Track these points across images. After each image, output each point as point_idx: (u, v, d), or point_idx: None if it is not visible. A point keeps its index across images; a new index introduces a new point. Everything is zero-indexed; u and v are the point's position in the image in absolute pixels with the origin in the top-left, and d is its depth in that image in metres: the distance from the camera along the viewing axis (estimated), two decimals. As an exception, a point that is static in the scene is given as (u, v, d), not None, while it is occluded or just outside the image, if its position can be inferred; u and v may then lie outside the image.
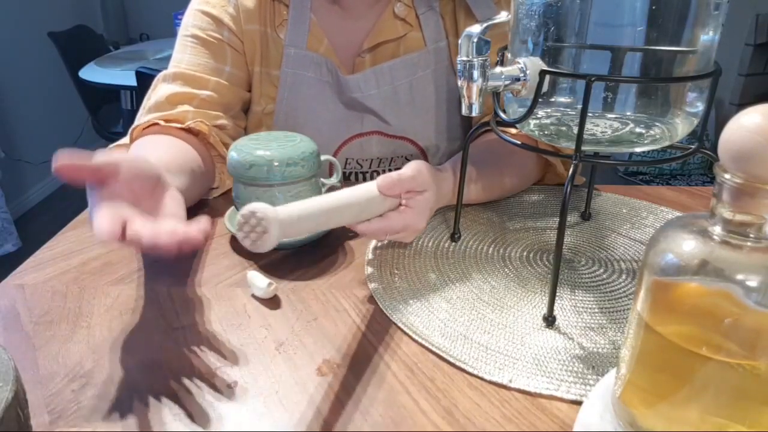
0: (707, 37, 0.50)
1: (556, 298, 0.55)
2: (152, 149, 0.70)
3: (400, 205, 0.60)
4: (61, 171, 0.44)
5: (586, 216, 0.75)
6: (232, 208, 0.72)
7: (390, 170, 0.74)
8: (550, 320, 0.54)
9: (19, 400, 0.38)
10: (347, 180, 0.90)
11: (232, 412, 0.45)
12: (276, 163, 0.63)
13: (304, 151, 0.65)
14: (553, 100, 0.53)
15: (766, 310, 0.31)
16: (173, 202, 0.51)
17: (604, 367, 0.49)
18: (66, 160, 0.44)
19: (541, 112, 0.55)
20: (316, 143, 0.68)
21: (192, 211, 0.78)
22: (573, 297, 0.58)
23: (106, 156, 0.47)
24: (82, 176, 0.46)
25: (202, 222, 0.44)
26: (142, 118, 0.77)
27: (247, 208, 0.43)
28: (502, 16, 0.54)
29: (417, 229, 0.62)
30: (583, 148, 0.50)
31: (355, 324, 0.55)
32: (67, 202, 2.96)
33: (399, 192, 0.59)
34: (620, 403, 0.38)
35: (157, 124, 0.75)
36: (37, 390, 0.47)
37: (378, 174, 0.72)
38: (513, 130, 0.75)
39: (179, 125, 0.76)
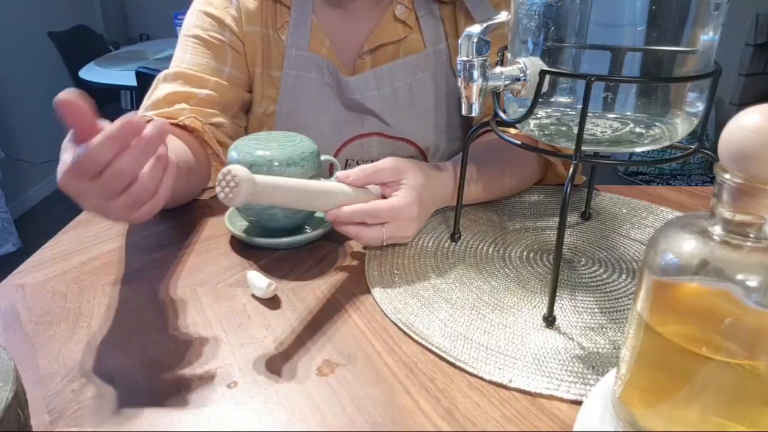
0: (707, 37, 0.50)
1: (556, 298, 0.55)
2: None
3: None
4: (63, 106, 0.46)
5: (586, 216, 0.75)
6: (232, 208, 0.72)
7: None
8: (550, 320, 0.54)
9: (19, 400, 0.38)
10: (347, 180, 0.90)
11: (232, 412, 0.45)
12: (276, 163, 0.63)
13: (304, 151, 0.65)
14: (553, 100, 0.53)
15: (766, 310, 0.31)
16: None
17: (604, 367, 0.49)
18: (73, 99, 0.46)
19: (541, 112, 0.55)
20: (317, 144, 0.68)
21: (192, 212, 0.78)
22: (573, 297, 0.58)
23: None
24: (78, 120, 0.48)
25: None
26: None
27: (226, 168, 0.49)
28: (502, 17, 0.54)
29: (409, 217, 0.62)
30: (583, 148, 0.50)
31: (355, 324, 0.55)
32: (67, 202, 2.95)
33: (363, 182, 0.62)
34: (620, 403, 0.38)
35: (151, 120, 0.75)
36: (37, 390, 0.47)
37: None
38: (513, 130, 0.75)
39: (173, 121, 0.76)
